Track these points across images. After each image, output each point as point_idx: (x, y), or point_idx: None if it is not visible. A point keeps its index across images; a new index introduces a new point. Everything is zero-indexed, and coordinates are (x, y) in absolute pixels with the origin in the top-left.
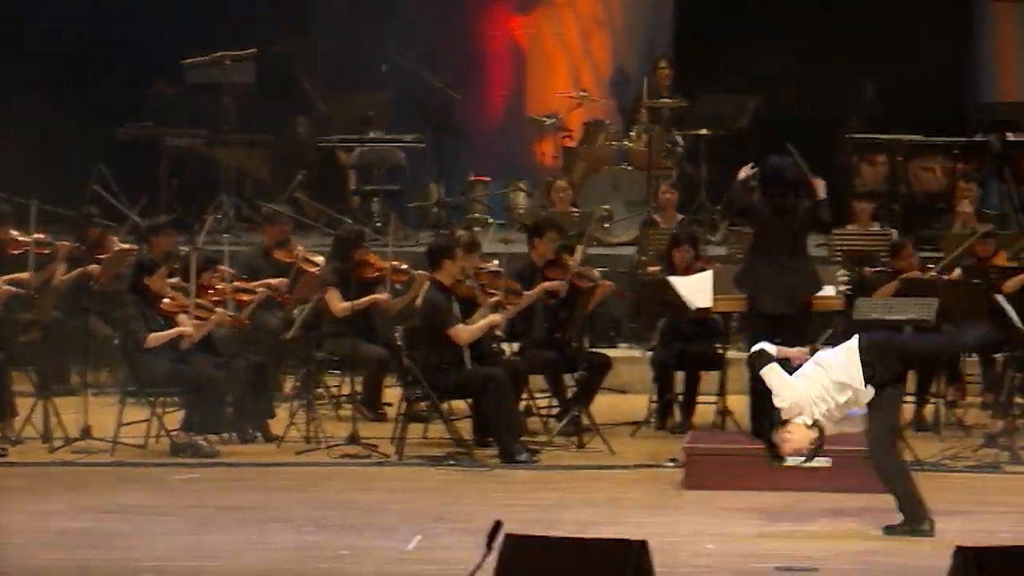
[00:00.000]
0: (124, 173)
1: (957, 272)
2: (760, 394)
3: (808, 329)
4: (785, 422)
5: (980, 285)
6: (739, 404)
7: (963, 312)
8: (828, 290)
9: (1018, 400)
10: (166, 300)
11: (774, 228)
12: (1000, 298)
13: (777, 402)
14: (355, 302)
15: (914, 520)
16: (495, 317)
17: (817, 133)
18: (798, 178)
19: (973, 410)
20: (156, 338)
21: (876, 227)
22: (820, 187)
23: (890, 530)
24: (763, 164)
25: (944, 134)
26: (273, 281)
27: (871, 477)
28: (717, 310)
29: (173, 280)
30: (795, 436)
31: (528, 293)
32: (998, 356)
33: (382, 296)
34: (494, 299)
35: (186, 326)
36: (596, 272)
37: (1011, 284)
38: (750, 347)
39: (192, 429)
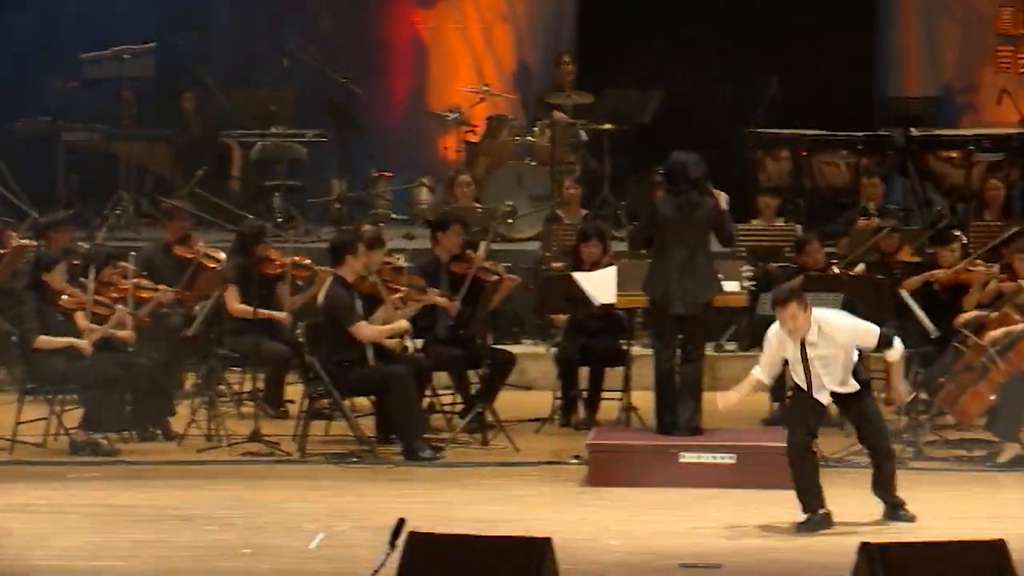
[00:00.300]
0: (22, 169)
1: (861, 267)
2: (664, 390)
3: (710, 326)
4: None
5: (885, 280)
6: (644, 400)
7: (868, 308)
8: (732, 286)
9: (922, 396)
10: (65, 297)
11: (677, 227)
12: (904, 294)
13: None
14: (256, 311)
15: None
16: (402, 323)
17: (720, 128)
18: (701, 176)
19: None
20: (45, 342)
21: (780, 222)
22: (722, 199)
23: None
24: (667, 160)
25: (849, 129)
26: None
27: (774, 473)
28: (621, 306)
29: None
30: None
31: (430, 294)
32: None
33: (281, 314)
34: (398, 295)
35: (84, 323)
36: (500, 267)
37: (912, 282)
38: (655, 344)
39: (92, 427)
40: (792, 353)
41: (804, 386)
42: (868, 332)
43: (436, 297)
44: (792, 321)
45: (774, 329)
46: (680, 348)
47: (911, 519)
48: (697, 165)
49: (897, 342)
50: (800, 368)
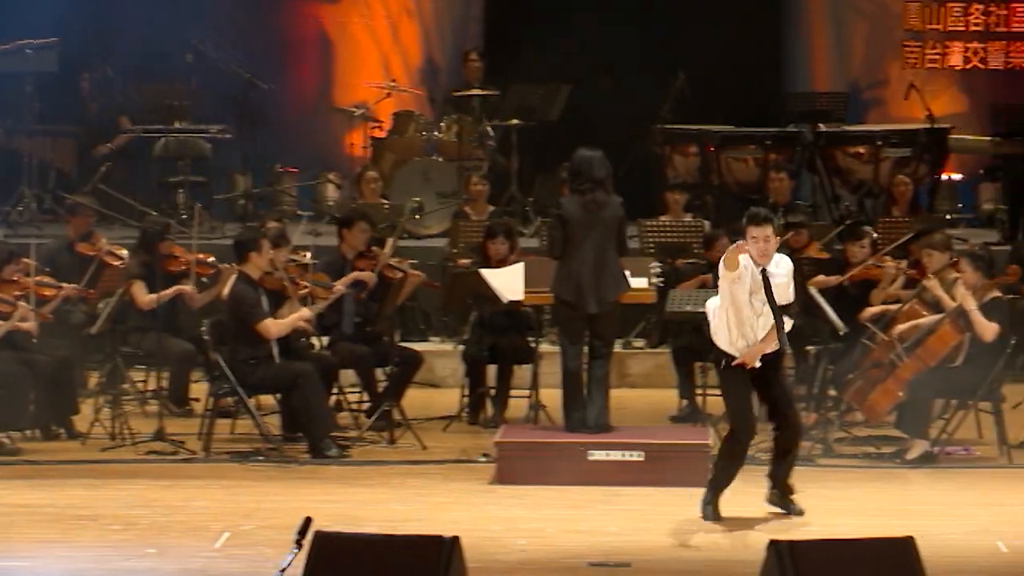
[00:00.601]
0: None
1: None
2: (572, 388)
3: (618, 323)
4: None
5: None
6: (552, 398)
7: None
8: (640, 282)
9: (831, 393)
10: None
11: (584, 226)
12: (813, 290)
13: None
14: (160, 293)
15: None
16: (304, 311)
17: (628, 124)
18: (606, 175)
19: None
20: None
21: (688, 218)
22: None
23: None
24: (573, 157)
25: (757, 125)
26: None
27: (683, 470)
28: (529, 303)
29: None
30: None
31: (338, 284)
32: (810, 349)
33: (187, 287)
34: (303, 291)
35: None
36: (407, 263)
37: (819, 281)
38: (563, 342)
39: None
40: (753, 285)
41: (765, 322)
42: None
43: (342, 288)
44: (766, 242)
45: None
46: (588, 346)
47: (800, 512)
48: (602, 163)
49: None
50: (759, 301)
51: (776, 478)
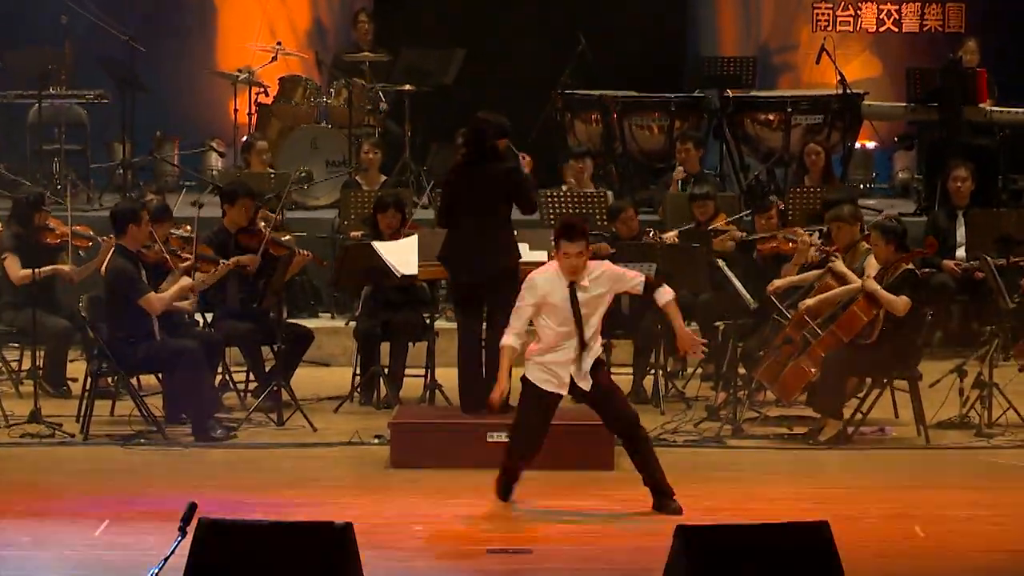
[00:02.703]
0: None
1: (673, 235)
2: (468, 367)
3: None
4: None
5: (700, 249)
6: (449, 377)
7: (683, 278)
8: (540, 255)
9: (741, 371)
10: None
11: (472, 193)
12: (721, 263)
13: None
14: (37, 270)
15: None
16: (186, 280)
17: (527, 88)
18: (497, 139)
19: (694, 381)
20: None
21: (592, 188)
22: (525, 164)
23: None
24: (469, 121)
25: (663, 90)
26: None
27: (586, 453)
28: (424, 277)
29: None
30: None
31: (219, 267)
32: (719, 325)
33: (64, 267)
34: (187, 263)
35: None
36: (292, 239)
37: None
38: (457, 317)
39: None
40: (559, 299)
41: (572, 335)
42: (635, 277)
43: (231, 264)
44: (579, 257)
45: (543, 275)
46: (486, 322)
47: (678, 511)
48: (496, 128)
49: (666, 285)
50: (567, 316)
51: (649, 485)
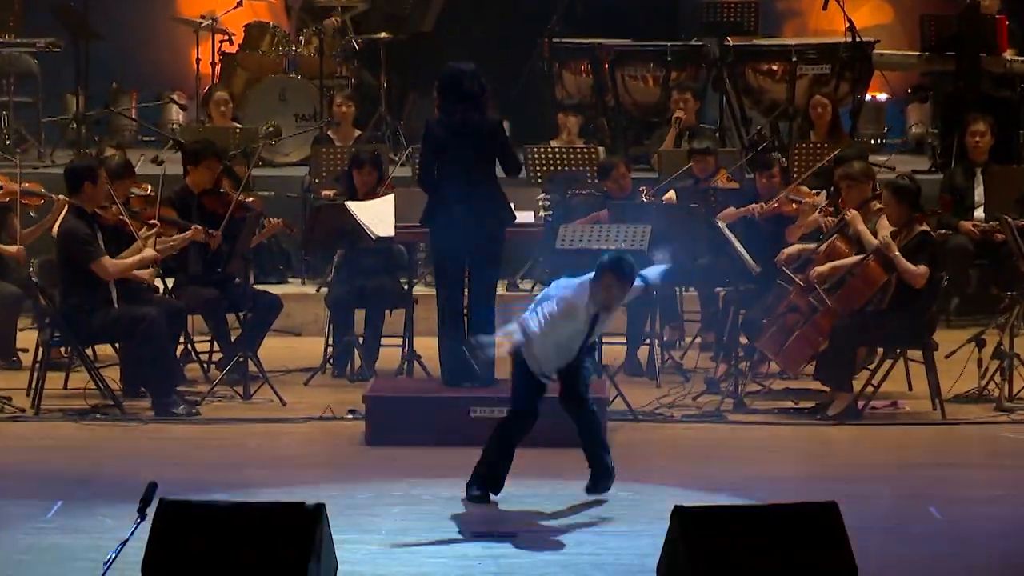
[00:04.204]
0: None
1: (671, 195)
2: (450, 335)
3: (502, 260)
4: None
5: (698, 209)
6: (429, 347)
7: (680, 240)
8: (527, 216)
9: (743, 341)
10: None
11: (453, 149)
12: (721, 225)
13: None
14: None
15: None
16: (149, 253)
17: (512, 37)
18: (478, 90)
19: (692, 352)
20: None
21: (582, 144)
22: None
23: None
24: (441, 73)
25: (657, 39)
26: None
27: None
28: (401, 239)
29: None
30: None
31: (177, 238)
32: (720, 291)
33: (11, 248)
34: (150, 233)
35: None
36: (260, 201)
37: (729, 213)
38: (438, 283)
39: None
40: (580, 322)
41: (564, 360)
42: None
43: (196, 232)
44: (620, 294)
45: (583, 302)
46: (470, 288)
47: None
48: (473, 78)
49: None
50: (577, 341)
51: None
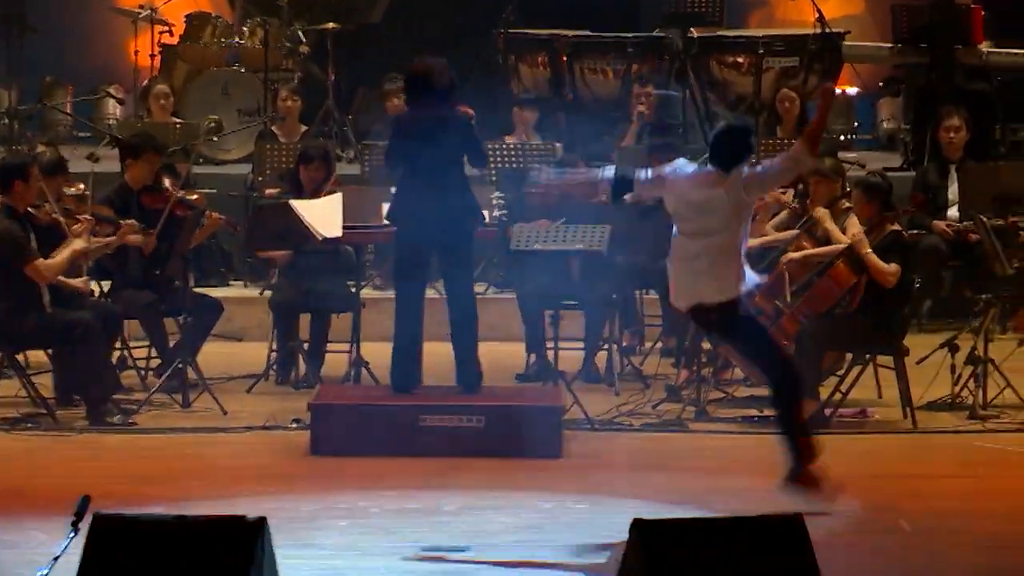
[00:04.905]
0: None
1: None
2: (406, 338)
3: (472, 260)
4: None
5: (660, 209)
6: (377, 352)
7: (641, 241)
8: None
9: (705, 346)
10: None
11: (424, 144)
12: None
13: None
14: None
15: None
16: (79, 244)
17: (466, 28)
18: (449, 85)
19: (653, 357)
20: None
21: (538, 140)
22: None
23: None
24: (409, 66)
25: (618, 30)
26: None
27: (529, 439)
28: (349, 241)
29: None
30: None
31: (111, 238)
32: None
33: None
34: (81, 226)
35: None
36: (201, 199)
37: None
38: (397, 283)
39: None
40: None
41: None
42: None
43: (129, 235)
44: None
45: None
46: (448, 294)
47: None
48: (444, 72)
49: None
50: None
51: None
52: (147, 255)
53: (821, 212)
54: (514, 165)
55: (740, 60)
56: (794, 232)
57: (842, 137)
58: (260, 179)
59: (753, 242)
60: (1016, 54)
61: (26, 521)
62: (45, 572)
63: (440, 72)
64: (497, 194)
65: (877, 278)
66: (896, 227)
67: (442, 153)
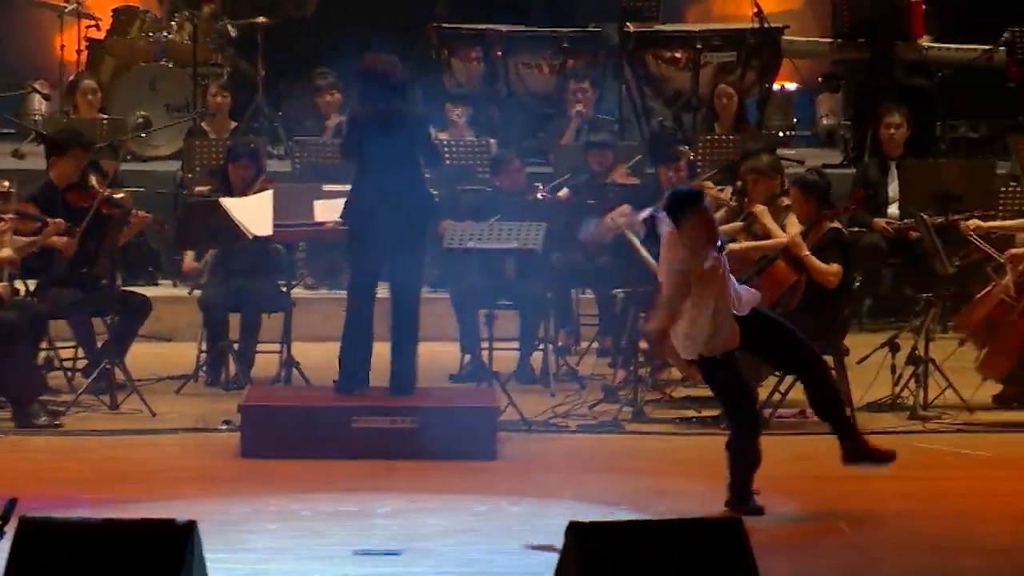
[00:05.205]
0: None
1: (566, 192)
2: (352, 337)
3: (424, 258)
4: None
5: (596, 206)
6: (308, 353)
7: (577, 240)
8: None
9: (642, 345)
10: None
11: (379, 140)
12: (621, 221)
13: None
14: None
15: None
16: (4, 252)
17: (398, 22)
18: (406, 81)
19: (589, 358)
20: None
21: (471, 136)
22: None
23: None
24: (362, 63)
25: (553, 24)
26: None
27: (462, 440)
28: (280, 239)
29: None
30: None
31: (48, 229)
32: (618, 292)
33: None
34: (6, 223)
35: None
36: (128, 197)
37: (623, 211)
38: (350, 281)
39: None
40: None
41: None
42: None
43: (54, 234)
44: None
45: None
46: (392, 291)
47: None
48: (400, 68)
49: None
50: None
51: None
52: (68, 256)
53: (760, 209)
54: (447, 162)
55: (677, 55)
56: (738, 224)
57: (781, 133)
58: (189, 176)
59: None
60: (957, 49)
61: None
62: None
63: (394, 67)
64: (433, 193)
65: (818, 279)
66: (835, 225)
67: (397, 149)
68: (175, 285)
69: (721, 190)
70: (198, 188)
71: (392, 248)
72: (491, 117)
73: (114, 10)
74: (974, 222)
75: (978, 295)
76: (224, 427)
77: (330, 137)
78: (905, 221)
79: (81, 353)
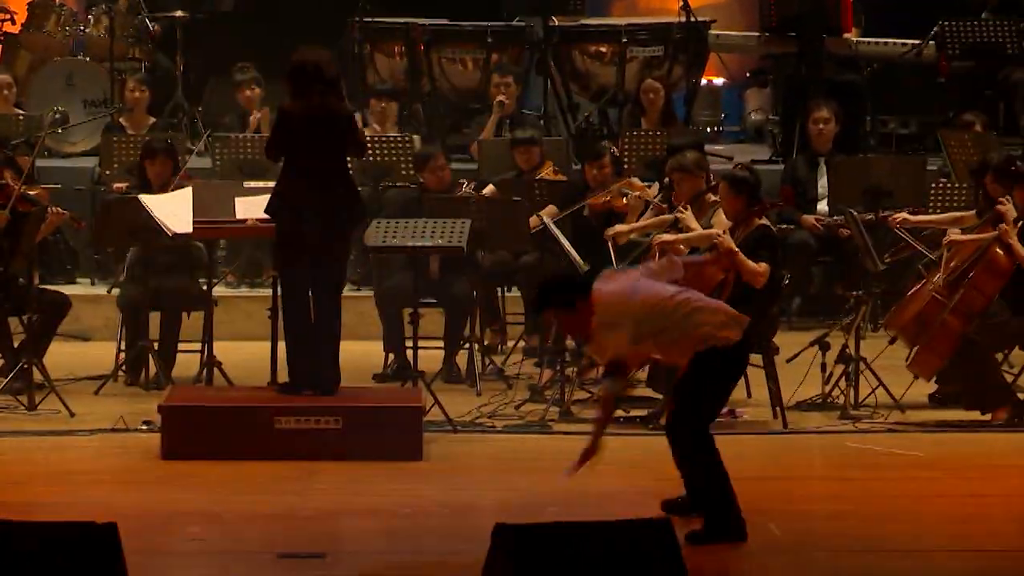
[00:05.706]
0: None
1: (491, 188)
2: (295, 336)
3: (347, 255)
4: None
5: (521, 204)
6: (229, 352)
7: (502, 236)
8: None
9: (569, 344)
10: None
11: (309, 137)
12: (547, 220)
13: None
14: None
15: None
16: None
17: (319, 16)
18: (335, 76)
19: (515, 357)
20: None
21: (395, 132)
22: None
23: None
24: (294, 57)
25: (477, 18)
26: None
27: (386, 441)
28: (200, 237)
29: None
30: None
31: None
32: None
33: None
34: None
35: None
36: (45, 193)
37: (552, 211)
38: (280, 280)
39: None
40: None
41: None
42: None
43: None
44: None
45: None
46: (314, 282)
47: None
48: (331, 63)
49: None
50: None
51: None
52: None
53: (685, 214)
54: (371, 158)
55: (603, 50)
56: (671, 216)
57: (709, 129)
58: (107, 172)
59: (622, 227)
60: (887, 44)
61: None
62: None
63: (327, 63)
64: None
65: (747, 279)
66: (764, 222)
67: (327, 146)
68: (93, 283)
69: (648, 187)
70: (116, 185)
71: (317, 245)
72: (415, 112)
73: (29, 4)
74: (901, 215)
75: (909, 292)
76: (144, 428)
77: (252, 132)
78: (835, 218)
79: None
